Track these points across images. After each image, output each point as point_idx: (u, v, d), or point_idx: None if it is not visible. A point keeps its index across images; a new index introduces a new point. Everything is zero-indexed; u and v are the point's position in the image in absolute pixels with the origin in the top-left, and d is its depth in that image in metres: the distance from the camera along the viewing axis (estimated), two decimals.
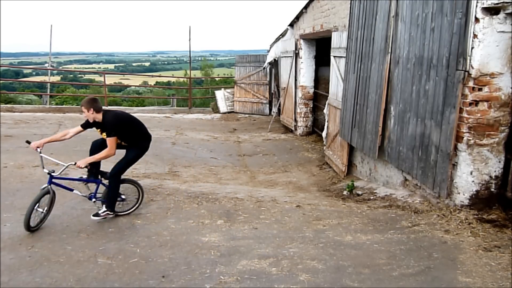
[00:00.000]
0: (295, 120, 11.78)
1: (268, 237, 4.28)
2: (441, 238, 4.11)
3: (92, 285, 3.35)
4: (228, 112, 15.75)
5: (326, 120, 8.95)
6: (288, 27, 12.52)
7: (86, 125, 4.87)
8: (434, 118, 4.76)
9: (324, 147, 8.97)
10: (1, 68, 25.25)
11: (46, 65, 22.05)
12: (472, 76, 4.26)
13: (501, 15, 4.13)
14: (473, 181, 4.44)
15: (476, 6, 4.14)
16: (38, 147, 4.62)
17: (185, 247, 4.06)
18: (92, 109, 4.61)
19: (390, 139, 5.83)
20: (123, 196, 5.12)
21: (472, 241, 3.99)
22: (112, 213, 4.82)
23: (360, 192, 6.24)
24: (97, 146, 4.95)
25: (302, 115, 11.56)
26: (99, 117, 4.67)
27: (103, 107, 4.79)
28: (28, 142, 4.71)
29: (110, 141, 4.60)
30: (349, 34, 7.32)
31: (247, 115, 15.40)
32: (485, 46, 4.18)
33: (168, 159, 8.46)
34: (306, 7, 10.70)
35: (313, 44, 11.22)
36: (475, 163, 4.41)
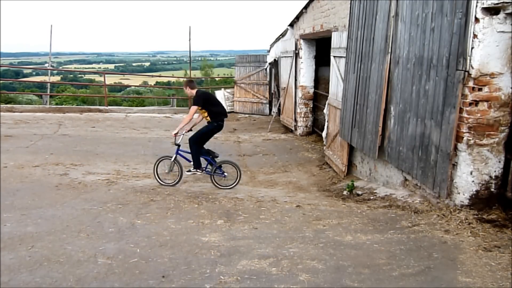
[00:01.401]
0: (295, 120, 11.78)
1: (268, 237, 4.28)
2: (441, 238, 4.11)
3: (92, 285, 3.35)
4: (228, 112, 15.75)
5: (326, 120, 8.95)
6: (288, 27, 12.52)
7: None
8: (434, 118, 4.76)
9: (324, 147, 8.97)
10: (1, 68, 25.25)
11: (46, 65, 22.05)
12: (472, 76, 4.26)
13: (501, 15, 4.13)
14: (473, 181, 4.44)
15: (476, 6, 4.14)
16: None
17: (185, 247, 4.05)
18: (188, 87, 6.69)
19: (390, 139, 5.83)
20: (225, 174, 6.67)
21: (472, 241, 3.99)
22: (199, 171, 6.66)
23: (360, 192, 6.24)
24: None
25: (302, 115, 11.56)
26: (193, 92, 6.65)
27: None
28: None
29: (191, 109, 6.59)
30: (349, 34, 7.32)
31: (247, 115, 15.40)
32: (485, 46, 4.18)
33: None
34: (306, 7, 10.70)
35: (313, 44, 11.23)
36: (475, 163, 4.41)
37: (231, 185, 6.60)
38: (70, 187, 6.10)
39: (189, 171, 6.63)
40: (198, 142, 6.60)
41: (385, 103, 5.92)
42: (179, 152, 6.60)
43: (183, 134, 6.52)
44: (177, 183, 6.54)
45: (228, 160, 7.29)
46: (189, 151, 6.62)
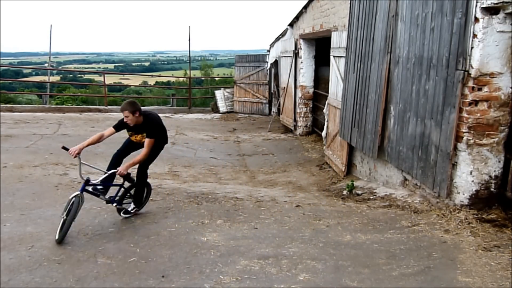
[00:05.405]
0: (295, 120, 11.78)
1: (267, 237, 4.28)
2: (440, 237, 4.11)
3: (91, 285, 3.35)
4: (228, 112, 15.76)
5: (325, 120, 8.95)
6: (288, 27, 12.52)
7: (119, 127, 4.74)
8: (434, 118, 4.76)
9: (324, 147, 8.97)
10: (1, 68, 25.24)
11: (46, 65, 22.05)
12: (471, 76, 4.26)
13: (501, 14, 4.13)
14: (472, 181, 4.44)
15: (476, 6, 4.14)
16: (78, 154, 4.33)
17: (185, 247, 4.06)
18: (138, 112, 4.62)
19: (390, 138, 5.83)
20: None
21: (471, 240, 3.99)
22: (139, 208, 5.04)
23: (359, 192, 6.24)
24: (124, 149, 4.98)
25: (302, 115, 11.56)
26: (140, 120, 4.70)
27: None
28: (65, 149, 4.35)
29: (150, 142, 4.68)
30: (348, 34, 7.32)
31: (246, 115, 15.40)
32: (485, 46, 4.18)
33: (167, 159, 8.45)
34: (305, 7, 10.70)
35: (312, 44, 11.22)
36: (475, 163, 4.41)
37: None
38: (69, 187, 6.09)
39: (128, 212, 4.92)
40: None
41: (384, 103, 5.92)
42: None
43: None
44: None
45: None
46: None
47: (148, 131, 4.72)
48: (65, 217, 4.20)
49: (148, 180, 5.70)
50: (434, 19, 4.76)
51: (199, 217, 4.91)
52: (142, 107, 4.82)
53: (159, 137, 4.91)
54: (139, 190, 5.01)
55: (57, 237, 4.12)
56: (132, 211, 4.95)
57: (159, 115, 5.26)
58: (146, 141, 4.69)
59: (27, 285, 3.34)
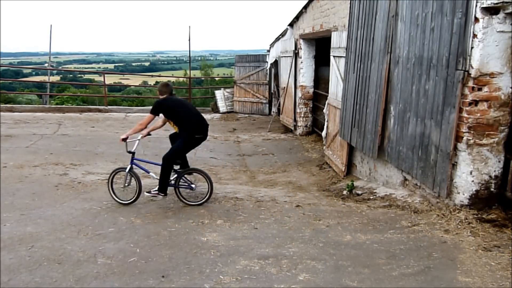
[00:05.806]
0: (295, 120, 11.78)
1: (267, 237, 4.28)
2: (440, 237, 4.11)
3: (92, 285, 3.35)
4: (228, 112, 15.76)
5: (325, 120, 8.95)
6: (288, 27, 12.52)
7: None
8: (434, 118, 4.76)
9: (324, 147, 8.97)
10: (1, 68, 25.24)
11: (46, 65, 22.05)
12: (471, 76, 4.26)
13: (501, 15, 4.13)
14: (472, 181, 4.44)
15: (476, 6, 4.14)
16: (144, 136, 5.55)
17: (185, 247, 4.06)
18: (158, 92, 5.52)
19: (390, 138, 5.83)
20: (192, 185, 5.47)
21: (471, 240, 3.99)
22: (162, 194, 5.35)
23: (359, 192, 6.24)
24: (172, 137, 5.73)
25: (302, 115, 11.56)
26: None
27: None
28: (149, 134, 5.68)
29: (147, 116, 5.37)
30: (348, 34, 7.32)
31: (246, 115, 15.40)
32: (485, 46, 4.18)
33: None
34: (305, 7, 10.70)
35: (312, 44, 11.22)
36: (474, 163, 4.41)
37: (200, 201, 5.37)
38: (69, 187, 6.10)
39: (150, 192, 5.41)
40: (173, 159, 5.41)
41: (384, 103, 5.93)
42: (134, 161, 5.50)
43: (139, 140, 5.52)
44: (135, 200, 5.38)
45: (195, 168, 5.93)
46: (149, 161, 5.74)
47: None
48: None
49: (148, 180, 5.70)
50: (434, 19, 4.76)
51: (199, 217, 4.91)
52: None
53: (172, 119, 5.44)
54: (161, 176, 5.31)
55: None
56: (152, 192, 5.37)
57: (161, 115, 5.45)
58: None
59: (27, 285, 3.34)
